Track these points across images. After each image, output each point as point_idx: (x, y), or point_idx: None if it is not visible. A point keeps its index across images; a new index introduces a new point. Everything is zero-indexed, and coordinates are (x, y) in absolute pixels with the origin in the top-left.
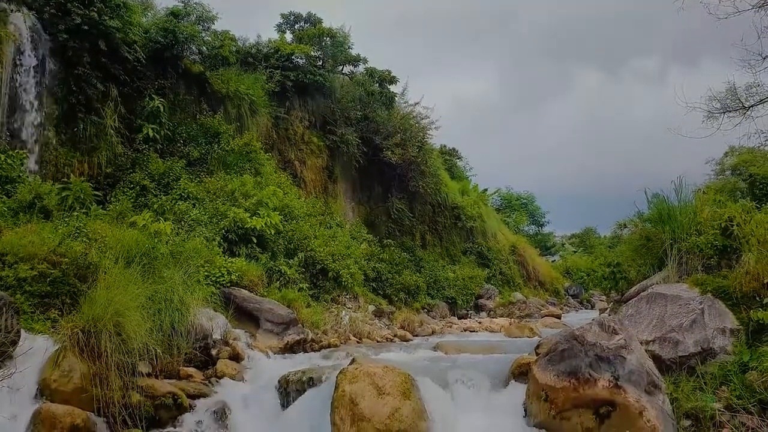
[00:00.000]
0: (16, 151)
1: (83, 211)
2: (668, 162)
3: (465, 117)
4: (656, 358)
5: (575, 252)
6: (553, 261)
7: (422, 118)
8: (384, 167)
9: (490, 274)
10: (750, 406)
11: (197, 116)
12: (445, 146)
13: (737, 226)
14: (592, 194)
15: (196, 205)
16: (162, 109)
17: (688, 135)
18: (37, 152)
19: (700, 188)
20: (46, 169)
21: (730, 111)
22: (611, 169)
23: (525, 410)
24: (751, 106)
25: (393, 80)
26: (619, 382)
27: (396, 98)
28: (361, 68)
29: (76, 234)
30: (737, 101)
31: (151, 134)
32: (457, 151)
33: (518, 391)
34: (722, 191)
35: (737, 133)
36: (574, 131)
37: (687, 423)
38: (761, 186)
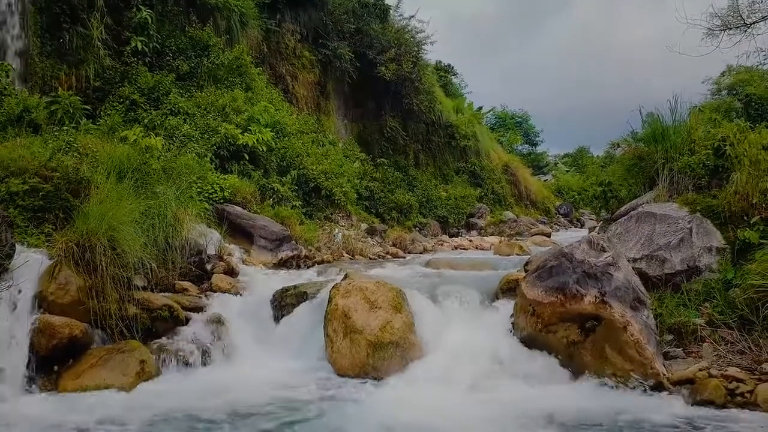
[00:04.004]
0: (1, 62)
1: (73, 125)
2: (666, 81)
3: (460, 34)
4: (643, 276)
5: (568, 171)
6: (545, 180)
7: (417, 32)
8: (377, 84)
9: (482, 194)
10: (731, 321)
11: (186, 28)
12: (440, 62)
13: (730, 146)
14: (588, 114)
15: (187, 120)
16: (150, 21)
17: (687, 53)
18: (22, 64)
19: (696, 107)
20: (32, 82)
21: (730, 28)
22: (608, 88)
23: (512, 324)
24: (753, 23)
25: None
26: (605, 298)
27: (390, 11)
28: None
29: (67, 148)
30: (738, 18)
31: (139, 47)
32: (452, 68)
33: (506, 306)
34: (717, 111)
35: (736, 52)
36: (571, 50)
37: (669, 337)
38: (757, 106)
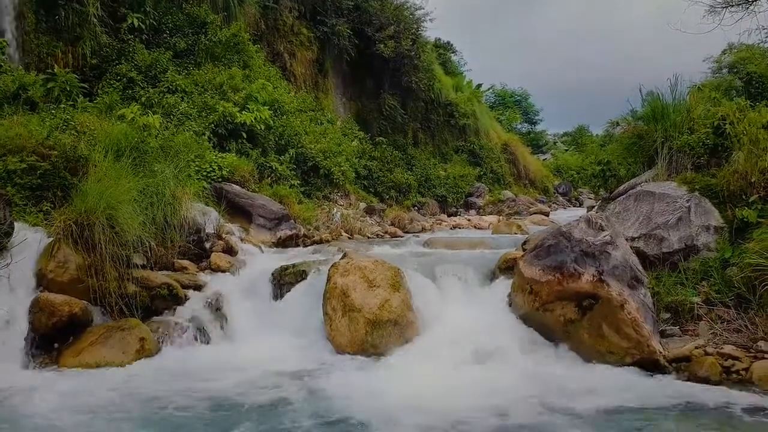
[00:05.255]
0: None
1: (70, 103)
2: (667, 60)
3: (459, 11)
4: (641, 254)
5: (567, 150)
6: (544, 159)
7: (416, 9)
8: (376, 61)
9: (481, 173)
10: (727, 299)
11: (183, 5)
12: (439, 39)
13: (730, 124)
14: (588, 92)
15: (185, 98)
16: None
17: (688, 31)
18: (18, 40)
19: (695, 86)
20: (29, 59)
21: (732, 5)
22: (609, 67)
23: (510, 303)
24: (755, 0)
25: None
26: (602, 277)
27: None
28: None
29: (64, 127)
30: None
31: (136, 24)
32: (451, 45)
33: (504, 284)
34: (718, 89)
35: (738, 30)
36: (572, 28)
37: (666, 316)
38: (757, 84)
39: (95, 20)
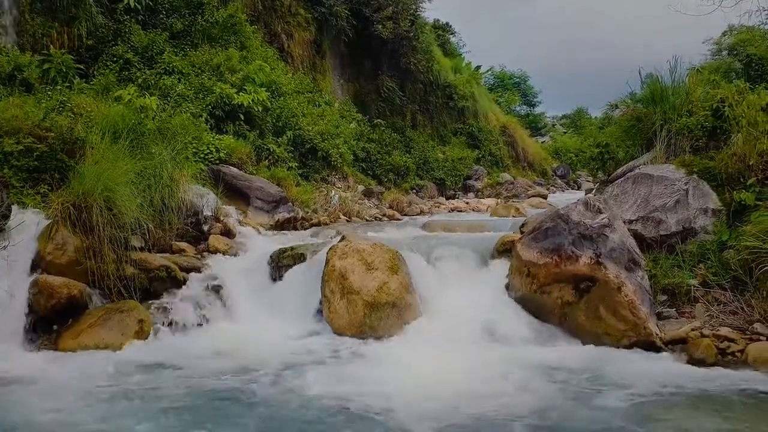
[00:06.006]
0: None
1: (66, 84)
2: (667, 42)
3: None
4: (638, 237)
5: (566, 133)
6: (543, 142)
7: None
8: (374, 42)
9: (480, 155)
10: (724, 282)
11: None
12: (438, 20)
13: (728, 107)
14: (587, 74)
15: (182, 79)
16: None
17: (688, 12)
18: (13, 21)
19: (695, 68)
20: (23, 39)
21: None
22: (608, 48)
23: (507, 285)
24: None
25: None
26: (600, 259)
27: None
28: None
29: (61, 108)
30: None
31: (132, 4)
32: (450, 26)
33: (502, 267)
34: (717, 71)
35: (738, 11)
36: (572, 9)
37: (663, 298)
38: (757, 67)
39: (91, 0)
